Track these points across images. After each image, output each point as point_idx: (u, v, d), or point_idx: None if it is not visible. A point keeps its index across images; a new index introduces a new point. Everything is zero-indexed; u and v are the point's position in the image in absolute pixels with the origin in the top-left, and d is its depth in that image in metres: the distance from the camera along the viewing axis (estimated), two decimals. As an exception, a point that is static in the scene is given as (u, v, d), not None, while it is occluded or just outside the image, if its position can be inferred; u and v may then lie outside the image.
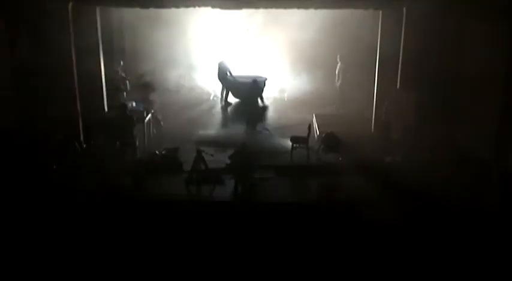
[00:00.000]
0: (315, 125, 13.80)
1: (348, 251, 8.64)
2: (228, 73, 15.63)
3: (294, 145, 12.09)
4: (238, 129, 13.50)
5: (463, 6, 10.91)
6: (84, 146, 11.65)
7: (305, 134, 12.22)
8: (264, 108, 15.18)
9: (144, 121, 12.84)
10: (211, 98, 16.77)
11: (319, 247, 8.75)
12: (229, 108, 15.62)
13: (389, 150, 12.05)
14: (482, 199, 9.86)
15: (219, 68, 15.71)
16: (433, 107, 11.71)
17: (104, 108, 12.90)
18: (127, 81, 14.70)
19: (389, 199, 10.13)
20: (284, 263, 8.39)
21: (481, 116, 10.73)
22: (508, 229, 8.92)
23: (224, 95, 15.85)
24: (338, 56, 15.73)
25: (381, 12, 12.59)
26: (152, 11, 13.82)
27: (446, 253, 8.46)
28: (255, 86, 14.76)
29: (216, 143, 12.61)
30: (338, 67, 15.78)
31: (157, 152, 12.01)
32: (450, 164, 10.89)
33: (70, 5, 11.59)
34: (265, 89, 15.43)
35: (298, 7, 12.36)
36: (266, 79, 15.54)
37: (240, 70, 16.29)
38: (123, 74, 14.71)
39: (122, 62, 15.08)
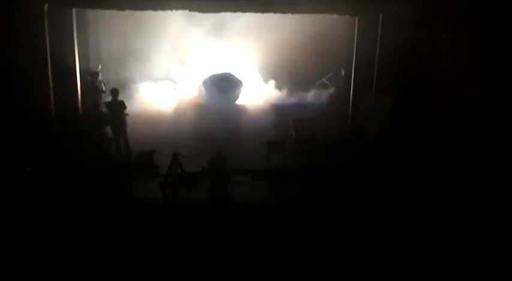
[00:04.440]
0: (292, 129, 13.81)
1: (328, 252, 8.70)
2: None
3: (271, 149, 12.10)
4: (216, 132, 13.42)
5: (438, 12, 11.11)
6: (57, 147, 11.49)
7: (282, 138, 12.24)
8: None
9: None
10: (188, 101, 16.68)
11: (296, 249, 8.78)
12: (207, 111, 15.54)
13: (365, 153, 12.15)
14: (457, 199, 10.01)
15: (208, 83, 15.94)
16: (408, 110, 11.87)
17: (78, 109, 12.75)
18: (102, 84, 14.56)
19: (365, 201, 10.23)
20: (261, 266, 8.39)
21: (456, 117, 10.94)
22: (483, 228, 9.09)
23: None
24: None
25: (357, 18, 12.73)
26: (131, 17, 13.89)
27: (425, 254, 8.59)
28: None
29: (193, 146, 12.54)
30: None
31: (132, 154, 11.90)
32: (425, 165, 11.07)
33: (46, 6, 11.47)
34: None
35: (275, 11, 12.42)
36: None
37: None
38: (100, 77, 14.61)
39: (100, 66, 15.04)
